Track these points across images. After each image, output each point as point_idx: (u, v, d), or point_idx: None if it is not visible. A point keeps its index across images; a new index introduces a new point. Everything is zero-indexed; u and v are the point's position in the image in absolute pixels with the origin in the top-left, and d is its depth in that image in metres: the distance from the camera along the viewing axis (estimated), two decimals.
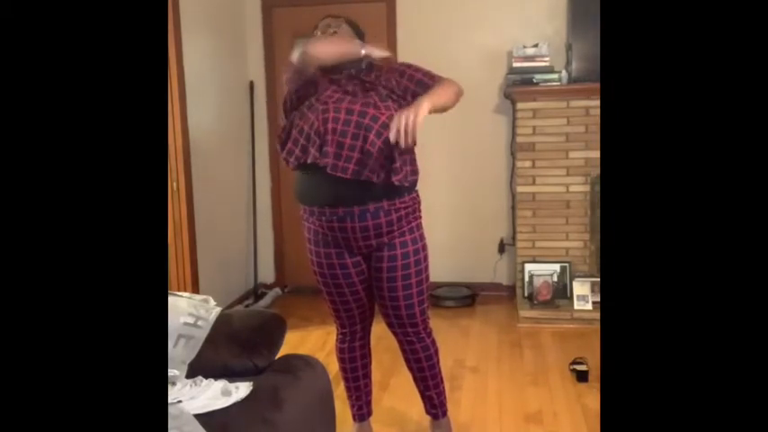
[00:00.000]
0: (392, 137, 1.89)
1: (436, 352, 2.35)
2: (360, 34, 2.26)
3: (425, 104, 1.92)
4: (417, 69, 2.17)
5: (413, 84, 2.12)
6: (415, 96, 2.05)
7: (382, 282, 2.18)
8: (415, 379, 2.40)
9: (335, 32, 2.19)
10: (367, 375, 2.46)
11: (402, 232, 2.15)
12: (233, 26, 4.36)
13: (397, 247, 2.15)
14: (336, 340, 2.42)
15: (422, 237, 2.22)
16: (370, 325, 2.41)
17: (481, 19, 4.27)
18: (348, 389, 2.46)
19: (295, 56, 2.11)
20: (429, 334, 2.31)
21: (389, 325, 2.29)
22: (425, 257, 2.22)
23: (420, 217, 2.22)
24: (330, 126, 2.01)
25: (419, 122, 1.87)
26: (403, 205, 2.12)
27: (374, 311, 2.38)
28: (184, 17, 3.55)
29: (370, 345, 2.44)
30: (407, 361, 2.36)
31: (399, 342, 2.32)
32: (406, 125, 1.86)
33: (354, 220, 2.08)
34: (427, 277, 2.24)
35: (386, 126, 1.99)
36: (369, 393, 2.49)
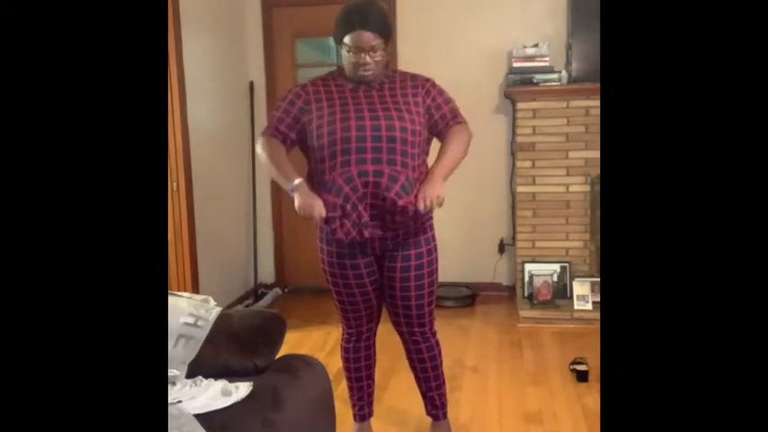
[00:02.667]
0: (421, 208, 2.00)
1: (440, 353, 2.35)
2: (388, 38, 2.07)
3: (440, 182, 2.02)
4: (446, 100, 2.16)
5: (437, 114, 2.14)
6: (432, 126, 2.14)
7: (395, 282, 2.18)
8: (417, 379, 2.40)
9: (369, 62, 2.02)
10: (370, 376, 2.45)
11: (416, 232, 2.15)
12: (233, 26, 4.36)
13: (412, 246, 2.15)
14: (341, 340, 2.41)
15: (434, 237, 2.23)
16: (377, 326, 2.41)
17: (481, 19, 4.27)
18: (350, 389, 2.46)
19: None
20: (434, 334, 2.32)
21: (396, 324, 2.29)
22: (437, 258, 2.24)
23: (432, 217, 2.23)
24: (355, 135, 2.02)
25: (441, 196, 2.00)
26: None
27: (381, 313, 2.37)
28: (184, 17, 3.55)
29: (375, 346, 2.44)
30: (411, 361, 2.36)
31: (404, 342, 2.32)
32: (432, 202, 1.99)
33: (375, 225, 2.07)
34: (437, 278, 2.25)
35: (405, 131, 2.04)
36: (371, 394, 2.49)
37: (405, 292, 2.19)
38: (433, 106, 2.13)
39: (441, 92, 2.17)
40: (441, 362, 2.36)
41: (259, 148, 2.14)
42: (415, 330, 2.27)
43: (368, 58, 2.01)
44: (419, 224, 2.12)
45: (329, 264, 2.21)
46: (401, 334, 2.31)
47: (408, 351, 2.34)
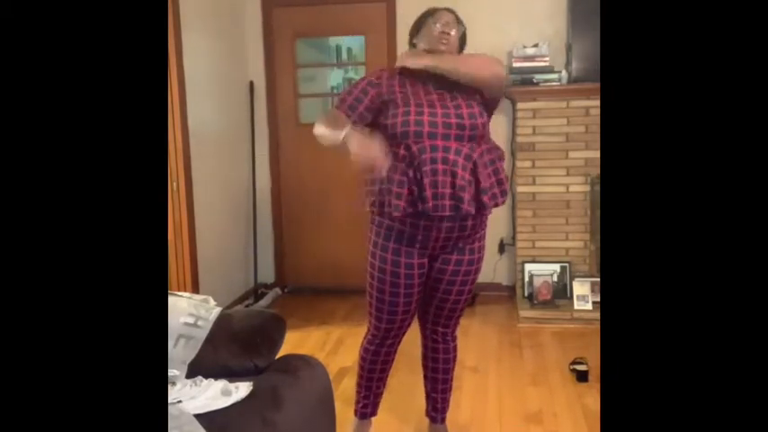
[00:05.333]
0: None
1: (454, 358, 2.36)
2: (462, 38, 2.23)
3: (432, 60, 2.08)
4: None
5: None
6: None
7: (441, 283, 2.18)
8: (425, 378, 2.41)
9: (448, 32, 2.12)
10: (382, 379, 2.41)
11: (473, 239, 2.15)
12: (233, 26, 4.36)
13: (466, 252, 2.15)
14: (364, 339, 2.35)
15: (485, 246, 2.23)
16: (403, 335, 2.33)
17: (481, 19, 4.26)
18: (359, 384, 2.41)
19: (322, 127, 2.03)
20: (454, 338, 2.34)
21: (423, 320, 2.30)
22: (482, 266, 2.25)
23: (486, 224, 2.22)
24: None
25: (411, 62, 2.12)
26: (485, 210, 2.09)
27: (412, 323, 2.32)
28: (184, 17, 3.55)
29: (396, 352, 2.37)
30: (424, 358, 2.37)
31: (424, 337, 2.33)
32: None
33: (443, 218, 2.03)
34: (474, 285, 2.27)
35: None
36: (379, 395, 2.45)
37: (446, 294, 2.19)
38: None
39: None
40: (453, 367, 2.37)
41: (319, 120, 2.07)
42: (438, 329, 2.28)
43: (448, 29, 2.12)
44: (479, 219, 2.10)
45: (381, 259, 2.13)
46: (423, 329, 2.32)
47: (425, 347, 2.35)
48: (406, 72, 2.15)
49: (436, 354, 2.33)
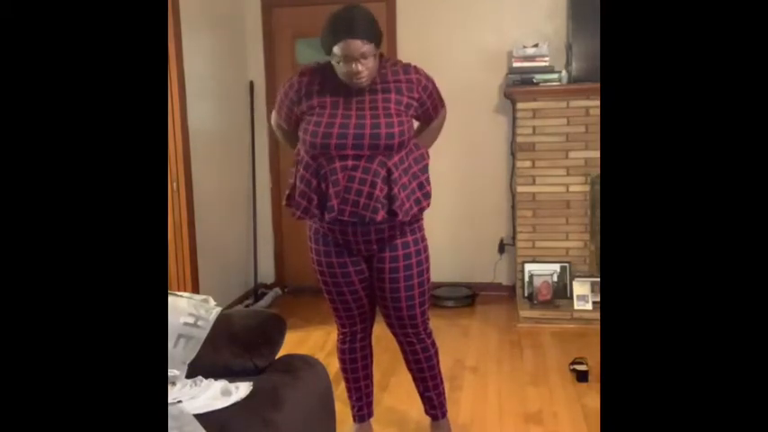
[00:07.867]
0: None
1: (436, 353, 2.35)
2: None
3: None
4: (435, 89, 2.18)
5: (429, 102, 2.16)
6: (422, 113, 2.18)
7: (384, 282, 2.18)
8: (414, 380, 2.40)
9: (361, 71, 1.95)
10: (368, 376, 2.45)
11: (403, 233, 2.15)
12: (233, 26, 4.36)
13: (399, 247, 2.15)
14: (337, 340, 2.42)
15: (423, 237, 2.22)
16: (371, 326, 2.41)
17: (481, 19, 4.27)
18: (348, 389, 2.46)
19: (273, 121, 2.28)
20: (429, 335, 2.31)
21: (390, 326, 2.29)
22: (427, 258, 2.22)
23: (422, 218, 2.23)
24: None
25: None
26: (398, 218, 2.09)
27: (375, 313, 2.37)
28: (184, 17, 3.55)
29: (371, 346, 2.44)
30: (407, 362, 2.36)
31: (399, 343, 2.32)
32: None
33: (356, 224, 2.08)
34: (428, 278, 2.24)
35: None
36: (369, 394, 2.48)
37: (394, 293, 2.18)
38: (426, 95, 2.13)
39: (428, 77, 2.15)
40: (437, 362, 2.36)
41: (273, 123, 2.32)
42: (408, 331, 2.26)
43: (360, 67, 1.93)
44: (406, 223, 2.12)
45: (318, 263, 2.22)
46: (395, 335, 2.30)
47: (404, 352, 2.34)
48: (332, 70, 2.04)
49: (416, 355, 2.31)
